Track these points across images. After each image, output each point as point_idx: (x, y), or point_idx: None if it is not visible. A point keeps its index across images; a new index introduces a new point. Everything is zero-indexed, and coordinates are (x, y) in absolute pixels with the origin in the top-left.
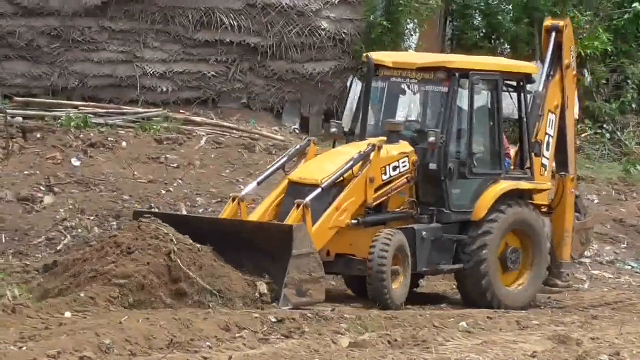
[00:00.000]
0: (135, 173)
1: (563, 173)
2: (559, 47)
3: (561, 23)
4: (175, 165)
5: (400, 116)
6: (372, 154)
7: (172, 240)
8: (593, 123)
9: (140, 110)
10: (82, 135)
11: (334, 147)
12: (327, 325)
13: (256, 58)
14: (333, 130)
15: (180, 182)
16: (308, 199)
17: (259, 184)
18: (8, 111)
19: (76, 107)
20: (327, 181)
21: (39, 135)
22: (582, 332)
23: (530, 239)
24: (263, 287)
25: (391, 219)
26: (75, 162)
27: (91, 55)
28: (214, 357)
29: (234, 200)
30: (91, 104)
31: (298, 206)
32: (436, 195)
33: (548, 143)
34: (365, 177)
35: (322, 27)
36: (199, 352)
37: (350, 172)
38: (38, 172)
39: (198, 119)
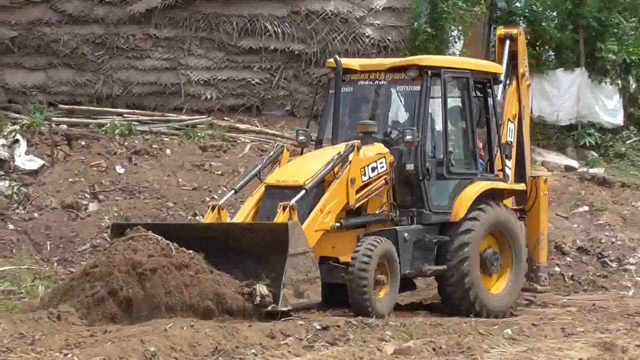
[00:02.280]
0: (180, 180)
1: (536, 175)
2: (513, 56)
3: (514, 31)
4: (219, 172)
5: (371, 119)
6: (351, 155)
7: (171, 250)
8: (638, 129)
9: (185, 117)
10: (126, 143)
11: (301, 154)
12: (372, 332)
13: (300, 65)
14: (301, 138)
15: (224, 189)
16: (294, 200)
17: (235, 192)
18: (53, 119)
19: (120, 114)
20: (311, 182)
21: (83, 143)
22: (627, 339)
23: (508, 241)
24: (262, 289)
25: (372, 221)
26: (120, 170)
27: (135, 63)
28: None
29: (213, 208)
30: (135, 111)
31: (284, 208)
32: (414, 196)
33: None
34: (346, 177)
35: (366, 34)
36: None
37: (331, 173)
38: (83, 180)
39: (242, 126)
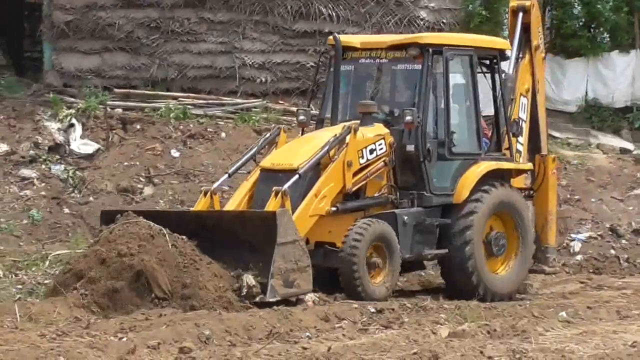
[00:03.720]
0: None
1: (544, 153)
2: (526, 28)
3: (527, 3)
4: None
5: (371, 98)
6: (348, 137)
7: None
8: None
9: (239, 100)
10: (181, 126)
11: (302, 135)
12: (426, 315)
13: None
14: (301, 118)
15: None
16: (286, 185)
17: (229, 175)
18: (108, 102)
19: (175, 98)
20: (305, 166)
21: (138, 127)
22: None
23: (514, 222)
24: (250, 279)
25: (370, 204)
26: (175, 153)
27: (190, 46)
28: (313, 348)
29: (205, 193)
30: (190, 95)
31: (276, 194)
32: (415, 178)
33: (521, 127)
34: (342, 161)
35: (421, 17)
36: (299, 343)
37: (327, 156)
38: (138, 163)
39: (297, 109)
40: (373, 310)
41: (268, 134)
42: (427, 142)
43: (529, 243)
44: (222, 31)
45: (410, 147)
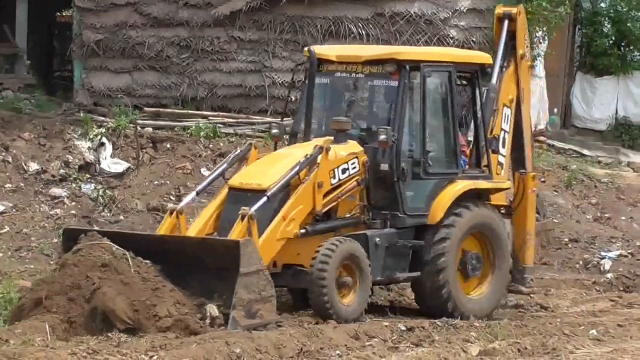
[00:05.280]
0: None
1: (523, 171)
2: (512, 36)
3: (514, 10)
4: None
5: (346, 114)
6: (320, 157)
7: (127, 260)
8: None
9: (269, 119)
10: (211, 145)
11: (275, 149)
12: (457, 333)
13: None
14: (274, 131)
15: None
16: (253, 209)
17: (197, 193)
18: (138, 121)
19: (205, 117)
20: (273, 188)
21: (168, 145)
22: None
23: (491, 242)
24: (213, 310)
25: (341, 225)
26: (205, 172)
27: (220, 65)
28: None
29: (171, 212)
30: (220, 113)
31: (242, 217)
32: (389, 198)
33: (504, 139)
34: (312, 182)
35: (451, 36)
36: None
37: (297, 177)
38: (168, 182)
39: (270, 123)
40: (403, 328)
41: (238, 150)
42: (402, 161)
43: (505, 263)
44: (252, 50)
45: (385, 166)
